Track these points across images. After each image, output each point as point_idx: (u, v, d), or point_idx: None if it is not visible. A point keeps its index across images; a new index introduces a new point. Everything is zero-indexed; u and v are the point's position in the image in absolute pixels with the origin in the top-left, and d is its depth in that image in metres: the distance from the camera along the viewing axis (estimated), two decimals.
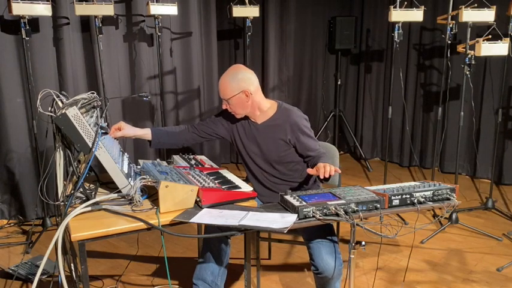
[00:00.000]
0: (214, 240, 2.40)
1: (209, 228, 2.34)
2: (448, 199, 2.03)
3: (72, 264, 2.23)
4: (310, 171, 2.14)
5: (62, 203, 1.98)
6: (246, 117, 2.43)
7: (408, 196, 1.97)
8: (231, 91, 2.29)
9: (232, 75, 2.31)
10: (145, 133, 2.45)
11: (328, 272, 2.13)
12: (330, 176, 2.06)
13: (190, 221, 1.81)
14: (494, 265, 3.05)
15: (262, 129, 2.41)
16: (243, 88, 2.30)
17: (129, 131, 2.39)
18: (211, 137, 2.56)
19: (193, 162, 2.45)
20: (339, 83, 5.52)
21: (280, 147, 2.38)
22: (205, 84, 4.78)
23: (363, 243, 1.91)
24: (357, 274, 2.91)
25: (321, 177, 2.07)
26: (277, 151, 2.39)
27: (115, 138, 2.34)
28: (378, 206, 1.91)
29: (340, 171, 2.12)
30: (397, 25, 3.81)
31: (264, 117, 2.41)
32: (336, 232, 2.36)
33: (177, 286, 2.81)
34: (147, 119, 4.37)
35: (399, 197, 1.96)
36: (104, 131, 2.03)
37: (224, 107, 2.36)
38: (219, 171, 2.36)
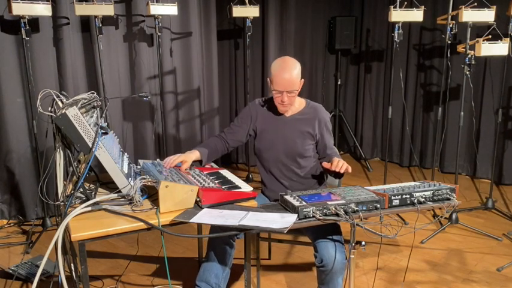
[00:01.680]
0: (219, 242, 2.40)
1: (214, 228, 2.34)
2: (448, 199, 2.03)
3: (72, 264, 2.22)
4: (325, 164, 2.24)
5: (62, 203, 1.98)
6: (271, 110, 2.53)
7: (408, 196, 1.97)
8: (298, 82, 2.39)
9: (296, 66, 2.38)
10: (197, 156, 2.44)
11: (331, 265, 2.14)
12: (343, 172, 2.17)
13: (190, 221, 1.81)
14: (494, 265, 3.05)
15: (290, 122, 2.50)
16: (301, 78, 2.42)
17: (189, 160, 2.35)
18: (240, 143, 2.63)
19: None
20: (339, 83, 5.52)
21: (305, 140, 2.47)
22: (205, 84, 4.77)
23: (363, 243, 1.91)
24: (357, 274, 2.91)
25: (333, 169, 2.17)
26: (302, 144, 2.47)
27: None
28: (378, 206, 1.92)
29: (350, 171, 2.21)
30: (397, 25, 3.81)
31: (293, 111, 2.52)
32: (341, 230, 2.37)
33: (180, 287, 2.81)
34: (147, 119, 4.36)
35: (399, 197, 1.96)
36: (104, 131, 2.03)
37: (285, 99, 2.38)
38: (219, 171, 2.36)
